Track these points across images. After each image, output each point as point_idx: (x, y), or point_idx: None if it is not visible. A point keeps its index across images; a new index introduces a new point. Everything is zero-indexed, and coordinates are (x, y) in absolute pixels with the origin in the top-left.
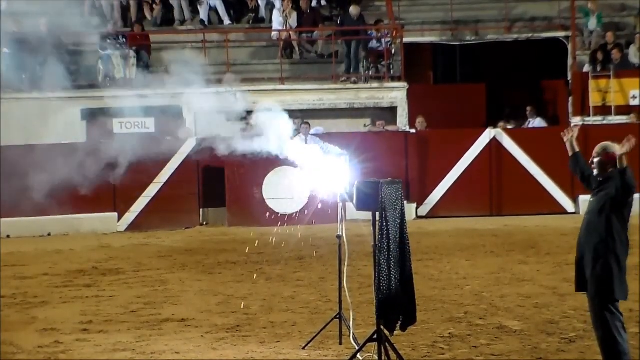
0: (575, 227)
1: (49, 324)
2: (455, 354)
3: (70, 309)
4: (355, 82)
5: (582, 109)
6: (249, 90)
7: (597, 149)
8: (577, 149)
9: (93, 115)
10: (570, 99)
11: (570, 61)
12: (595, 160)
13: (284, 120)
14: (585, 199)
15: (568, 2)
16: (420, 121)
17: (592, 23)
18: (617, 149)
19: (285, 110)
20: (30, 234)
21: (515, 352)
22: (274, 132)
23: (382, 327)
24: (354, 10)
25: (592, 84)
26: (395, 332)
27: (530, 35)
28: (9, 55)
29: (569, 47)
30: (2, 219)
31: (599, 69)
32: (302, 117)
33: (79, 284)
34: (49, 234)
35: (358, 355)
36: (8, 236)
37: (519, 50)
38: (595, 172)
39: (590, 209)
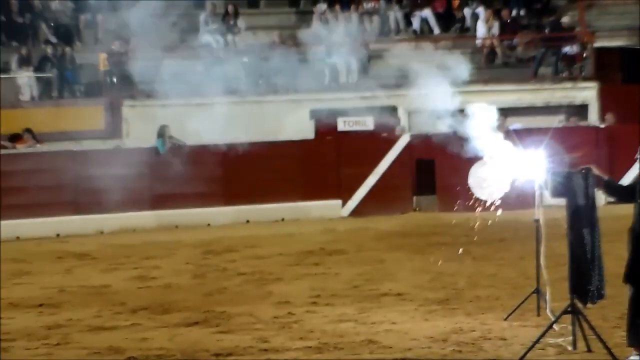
0: None
1: (283, 297)
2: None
3: (301, 284)
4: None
5: None
6: (456, 91)
7: None
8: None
9: (320, 115)
10: None
11: None
12: None
13: (489, 118)
14: None
15: None
16: (609, 117)
17: None
18: None
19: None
20: (266, 219)
21: None
22: (479, 130)
23: (575, 300)
24: (566, 19)
25: None
26: (588, 306)
27: None
28: (248, 64)
29: None
30: (244, 207)
31: None
32: (503, 114)
33: (308, 262)
34: (282, 219)
35: (554, 326)
36: (247, 221)
37: None
38: None
39: None
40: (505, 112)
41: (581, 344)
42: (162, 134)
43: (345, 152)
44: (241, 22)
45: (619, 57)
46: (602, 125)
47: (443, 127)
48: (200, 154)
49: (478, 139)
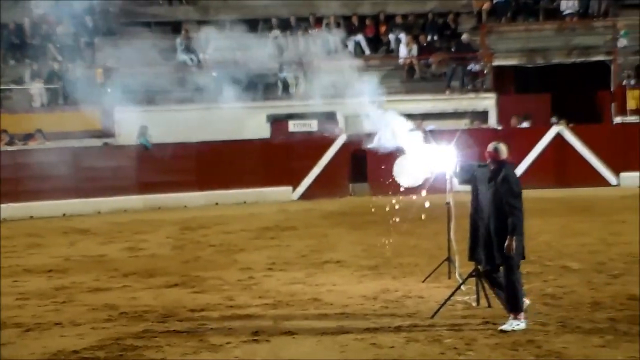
0: (618, 196)
1: (245, 264)
2: (531, 285)
3: (260, 254)
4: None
5: (622, 111)
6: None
7: (489, 146)
8: None
9: (274, 119)
10: (613, 104)
11: (612, 77)
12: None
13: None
14: (625, 176)
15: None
16: (514, 120)
17: (622, 41)
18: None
19: (408, 114)
20: (232, 202)
21: (575, 285)
22: (398, 130)
23: (478, 267)
24: (465, 36)
25: (628, 93)
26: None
27: (583, 59)
28: (217, 78)
29: (612, 67)
30: (214, 192)
31: (633, 82)
32: (420, 119)
33: (266, 236)
34: (245, 202)
35: (462, 287)
36: (217, 204)
37: (576, 70)
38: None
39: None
40: (423, 117)
41: (483, 301)
42: (142, 133)
43: (294, 148)
44: (211, 44)
45: (513, 73)
46: (499, 127)
47: (372, 128)
48: (178, 150)
49: (401, 137)
